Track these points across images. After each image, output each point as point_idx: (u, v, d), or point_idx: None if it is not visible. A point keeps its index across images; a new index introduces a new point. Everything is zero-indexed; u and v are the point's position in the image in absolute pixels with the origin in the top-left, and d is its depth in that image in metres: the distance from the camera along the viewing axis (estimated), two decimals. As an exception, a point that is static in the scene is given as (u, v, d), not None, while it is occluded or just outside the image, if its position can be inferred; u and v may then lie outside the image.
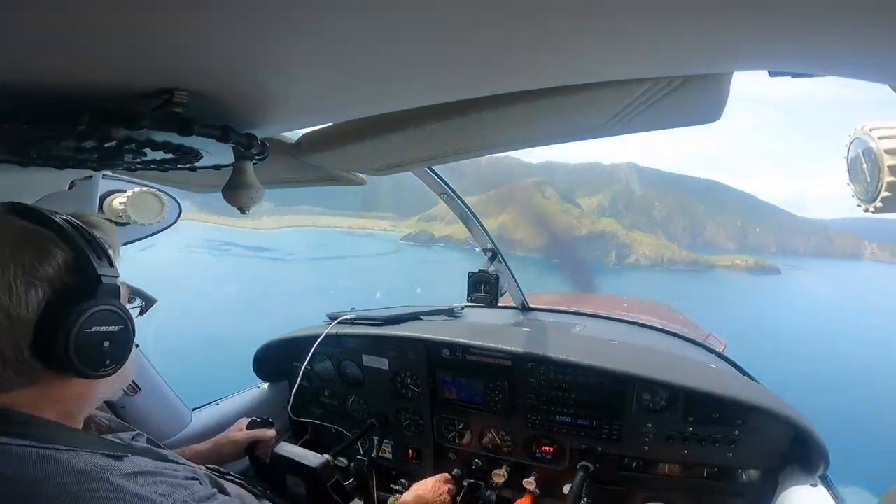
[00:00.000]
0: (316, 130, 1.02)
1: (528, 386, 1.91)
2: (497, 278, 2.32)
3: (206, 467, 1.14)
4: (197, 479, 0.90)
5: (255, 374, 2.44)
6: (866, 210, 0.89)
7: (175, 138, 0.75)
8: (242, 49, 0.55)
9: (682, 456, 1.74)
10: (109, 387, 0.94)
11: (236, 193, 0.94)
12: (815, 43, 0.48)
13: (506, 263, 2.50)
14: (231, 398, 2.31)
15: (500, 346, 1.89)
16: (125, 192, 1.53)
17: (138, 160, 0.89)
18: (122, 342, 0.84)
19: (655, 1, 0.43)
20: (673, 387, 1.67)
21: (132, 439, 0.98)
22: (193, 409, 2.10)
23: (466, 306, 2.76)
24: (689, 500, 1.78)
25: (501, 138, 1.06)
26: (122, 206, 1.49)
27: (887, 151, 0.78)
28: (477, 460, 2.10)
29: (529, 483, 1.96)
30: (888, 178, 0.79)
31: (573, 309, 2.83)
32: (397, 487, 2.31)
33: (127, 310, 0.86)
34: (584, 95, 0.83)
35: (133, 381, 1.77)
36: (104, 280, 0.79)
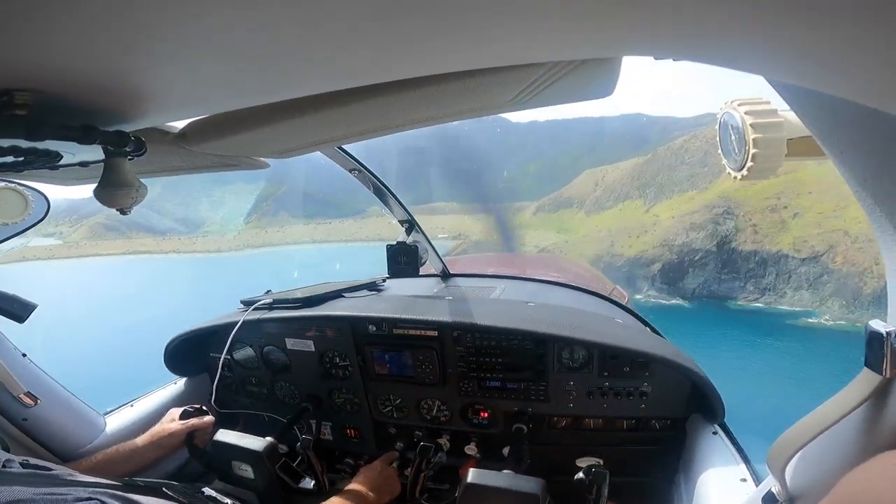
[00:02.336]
0: (202, 119, 0.92)
1: (457, 354, 1.94)
2: (416, 248, 2.32)
3: (124, 481, 1.06)
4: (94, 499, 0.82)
5: (168, 371, 2.29)
6: (735, 178, 1.00)
7: (23, 143, 0.64)
8: (100, 42, 0.47)
9: (602, 410, 1.86)
10: None
11: (111, 194, 0.82)
12: (692, 35, 0.52)
13: (423, 233, 2.51)
14: (146, 397, 2.17)
15: (425, 317, 1.90)
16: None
17: (-19, 165, 0.74)
18: None
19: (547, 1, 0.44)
20: (588, 344, 1.75)
21: (2, 466, 0.87)
22: (105, 414, 1.97)
23: (388, 279, 2.75)
24: (615, 451, 1.90)
25: (408, 118, 1.03)
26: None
27: (752, 126, 0.88)
28: (417, 432, 2.13)
29: (471, 449, 2.03)
30: (753, 150, 0.89)
31: (490, 272, 2.92)
32: (342, 467, 2.30)
33: None
34: (489, 78, 0.83)
35: (28, 392, 1.65)
36: None
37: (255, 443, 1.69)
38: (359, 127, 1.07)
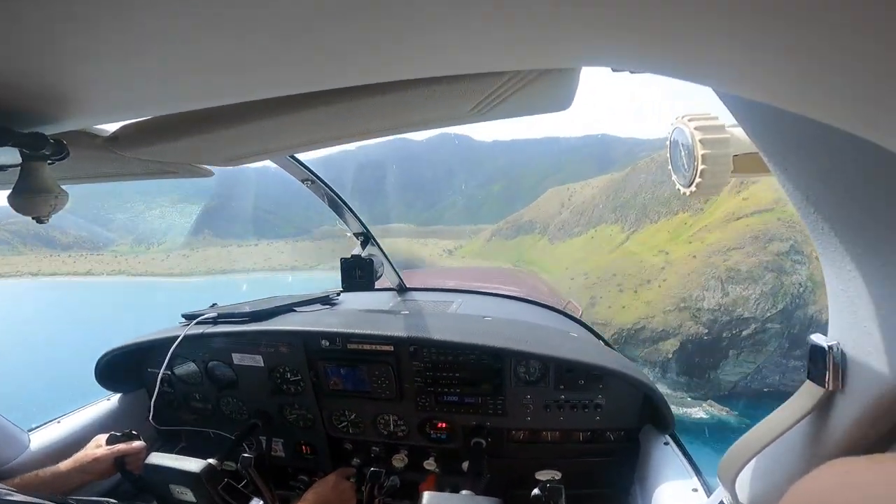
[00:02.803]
0: (136, 123, 0.84)
1: (413, 369, 1.91)
2: (371, 262, 2.27)
3: (67, 497, 0.97)
4: None
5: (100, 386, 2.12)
6: (683, 194, 1.03)
7: None
8: (8, 36, 0.41)
9: (559, 422, 1.88)
10: None
11: (27, 201, 0.74)
12: (643, 49, 0.52)
13: (379, 246, 2.46)
14: (75, 413, 2.00)
15: (380, 332, 1.86)
16: None
17: None
18: None
19: (504, 9, 0.43)
20: (543, 358, 1.76)
21: None
22: (30, 431, 1.82)
23: (342, 292, 2.67)
24: (572, 464, 1.92)
25: (362, 128, 1.00)
26: None
27: (701, 142, 0.91)
28: (375, 447, 2.08)
29: (430, 464, 2.00)
30: (701, 166, 0.92)
31: (448, 285, 2.91)
32: (296, 484, 2.22)
33: None
34: (446, 87, 0.82)
35: None
36: None
37: (191, 465, 1.59)
38: (310, 136, 1.03)
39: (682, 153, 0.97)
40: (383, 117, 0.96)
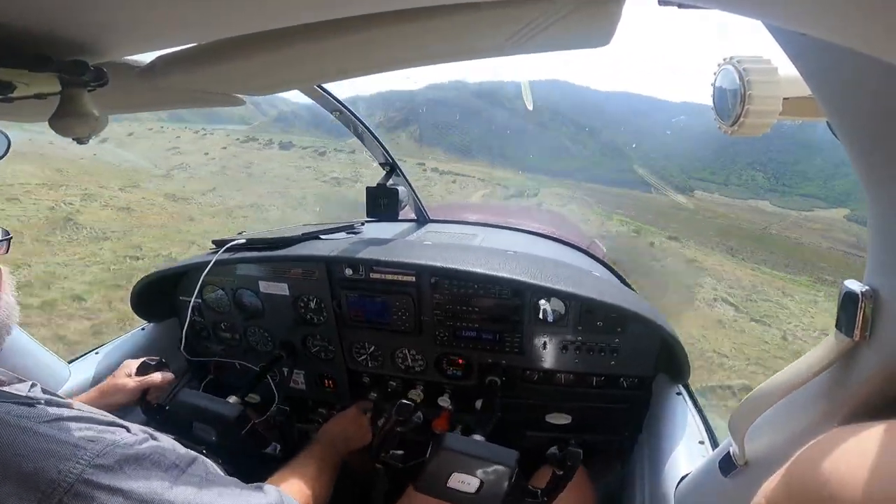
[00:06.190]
0: (172, 52, 0.84)
1: (433, 301, 1.92)
2: (396, 191, 2.28)
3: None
4: (124, 428, 0.86)
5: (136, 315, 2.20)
6: (725, 132, 0.99)
7: None
8: None
9: (573, 365, 1.87)
10: None
11: (67, 123, 0.76)
12: None
13: (404, 176, 2.46)
14: (112, 344, 2.10)
15: (403, 259, 1.85)
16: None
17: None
18: None
19: None
20: (565, 295, 1.71)
21: (29, 390, 0.88)
22: (70, 362, 1.91)
23: (367, 222, 2.71)
24: (582, 408, 1.93)
25: (392, 58, 0.97)
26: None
27: (748, 81, 0.86)
28: (392, 382, 2.13)
29: (444, 401, 2.04)
30: (748, 106, 0.88)
31: (472, 219, 2.90)
32: (315, 417, 2.30)
33: None
34: (481, 15, 0.78)
35: None
36: None
37: (225, 408, 1.62)
38: (339, 65, 1.00)
39: (728, 92, 0.93)
40: (413, 47, 0.92)
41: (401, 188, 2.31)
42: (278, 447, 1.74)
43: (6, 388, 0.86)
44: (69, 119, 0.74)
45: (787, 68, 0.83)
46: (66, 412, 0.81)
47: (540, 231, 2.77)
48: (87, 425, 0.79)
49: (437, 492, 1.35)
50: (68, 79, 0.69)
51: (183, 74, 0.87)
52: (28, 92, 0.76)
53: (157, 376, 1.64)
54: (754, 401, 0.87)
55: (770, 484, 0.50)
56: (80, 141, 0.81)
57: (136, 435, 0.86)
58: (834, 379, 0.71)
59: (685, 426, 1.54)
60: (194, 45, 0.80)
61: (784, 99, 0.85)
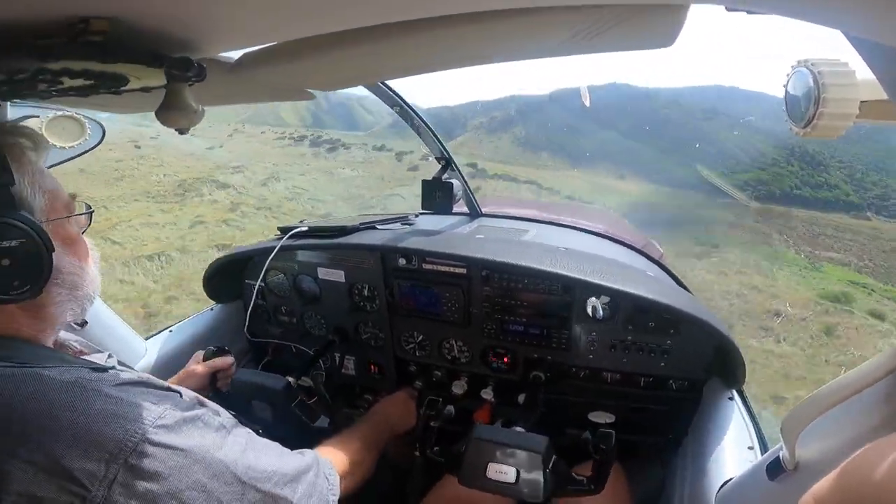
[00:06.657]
0: (257, 49, 0.93)
1: (483, 294, 1.94)
2: (451, 185, 2.32)
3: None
4: (178, 393, 0.94)
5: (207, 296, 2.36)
6: (796, 133, 0.96)
7: (96, 66, 0.67)
8: None
9: (621, 364, 1.83)
10: (64, 307, 0.90)
11: (173, 115, 0.86)
12: None
13: (459, 171, 2.50)
14: (184, 322, 2.25)
15: (454, 252, 1.88)
16: (38, 117, 1.37)
17: (54, 89, 0.79)
18: (27, 258, 0.75)
19: None
20: (616, 293, 1.67)
21: (105, 360, 0.99)
22: (147, 339, 2.05)
23: (421, 214, 2.77)
24: (628, 408, 1.88)
25: (457, 57, 1.01)
26: (40, 132, 1.35)
27: (824, 84, 0.83)
28: (437, 371, 2.16)
29: (487, 393, 2.04)
30: (821, 108, 0.85)
31: (525, 214, 2.89)
32: (361, 403, 2.37)
33: (29, 218, 0.76)
34: (543, 17, 0.80)
35: None
36: None
37: (272, 381, 1.71)
38: (404, 62, 1.06)
39: (801, 94, 0.90)
40: (474, 46, 0.96)
41: (455, 182, 2.36)
42: (328, 421, 1.82)
43: (84, 357, 0.96)
44: (174, 111, 0.83)
45: (865, 71, 0.80)
46: (129, 376, 0.87)
47: (593, 229, 2.72)
48: (149, 389, 0.86)
49: (479, 484, 1.35)
50: (176, 74, 0.78)
51: (265, 70, 0.96)
52: (137, 85, 0.87)
53: (222, 360, 1.75)
54: (810, 405, 0.85)
55: (822, 485, 0.50)
56: (181, 131, 0.91)
57: (188, 399, 0.94)
58: (893, 387, 0.70)
59: (735, 431, 1.49)
60: (275, 43, 0.88)
61: (861, 102, 0.82)
